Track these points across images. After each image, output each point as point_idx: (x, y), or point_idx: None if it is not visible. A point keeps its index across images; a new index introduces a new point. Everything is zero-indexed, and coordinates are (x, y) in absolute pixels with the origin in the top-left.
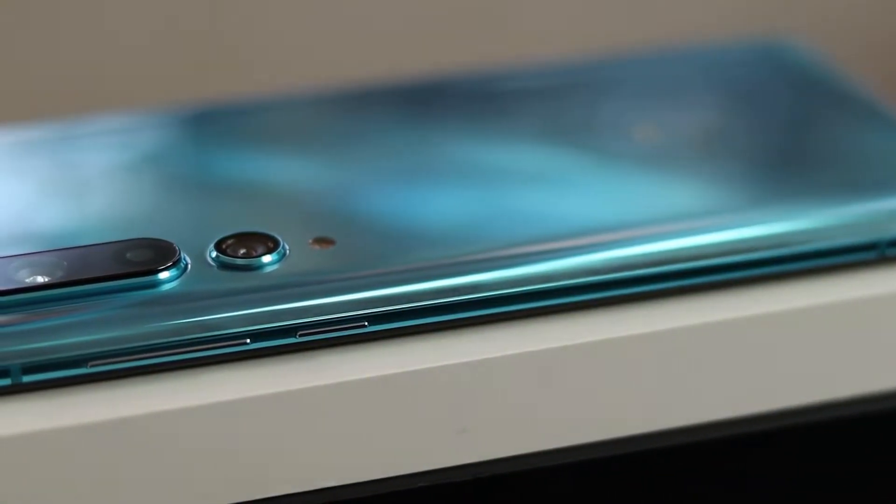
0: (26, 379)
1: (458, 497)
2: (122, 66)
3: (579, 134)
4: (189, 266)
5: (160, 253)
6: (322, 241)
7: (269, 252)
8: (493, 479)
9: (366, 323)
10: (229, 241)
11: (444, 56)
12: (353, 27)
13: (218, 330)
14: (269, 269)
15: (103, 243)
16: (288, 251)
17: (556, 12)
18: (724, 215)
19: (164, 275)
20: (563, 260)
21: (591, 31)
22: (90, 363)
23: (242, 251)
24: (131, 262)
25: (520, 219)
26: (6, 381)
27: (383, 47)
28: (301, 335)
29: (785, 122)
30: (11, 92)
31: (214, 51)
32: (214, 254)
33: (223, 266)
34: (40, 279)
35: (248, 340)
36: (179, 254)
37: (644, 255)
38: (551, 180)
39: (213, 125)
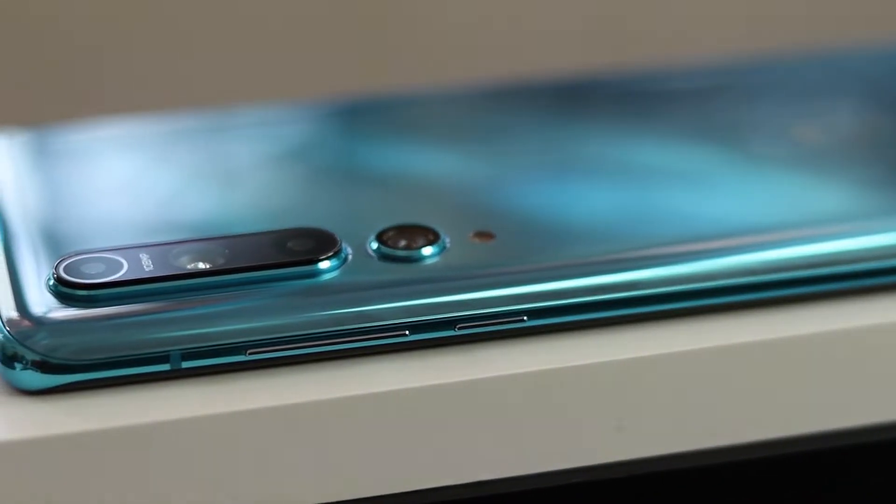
0: (185, 365)
1: (613, 494)
2: (278, 58)
3: (730, 134)
4: (350, 256)
5: (321, 242)
6: (482, 234)
7: (429, 244)
8: (648, 476)
9: (525, 317)
10: (390, 233)
11: (596, 55)
12: (507, 23)
13: (377, 321)
14: (429, 261)
15: (265, 232)
16: (448, 244)
17: (706, 13)
18: (880, 219)
19: (324, 264)
20: (722, 259)
21: (742, 34)
22: (249, 351)
23: (403, 243)
24: (292, 251)
25: (677, 217)
26: (165, 367)
27: (536, 44)
28: (460, 328)
29: None
30: (172, 81)
31: (369, 44)
32: (375, 245)
33: (384, 257)
34: (202, 265)
35: (408, 332)
36: (341, 244)
37: (803, 256)
38: (706, 180)
39: (368, 118)
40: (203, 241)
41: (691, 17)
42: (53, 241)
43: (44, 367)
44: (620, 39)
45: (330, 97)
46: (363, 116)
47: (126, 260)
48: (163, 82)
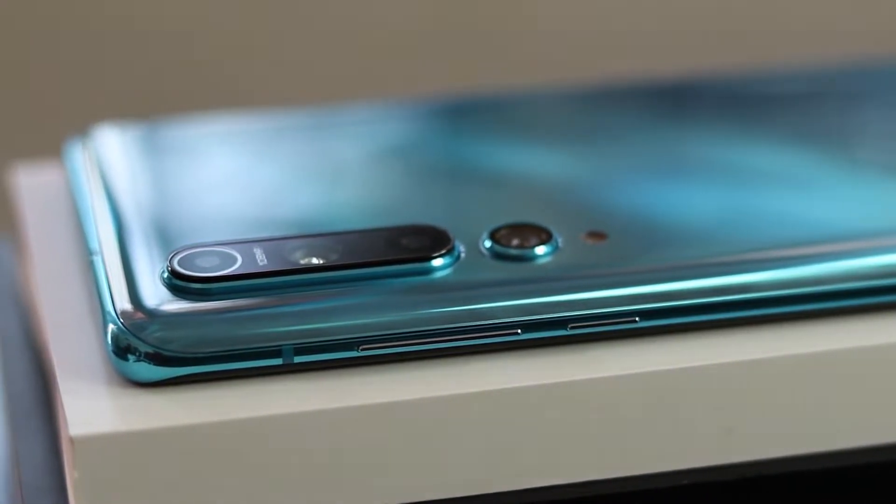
0: (298, 360)
1: (722, 496)
2: (386, 55)
3: (839, 139)
4: (462, 254)
5: (434, 240)
6: (595, 235)
7: (542, 244)
8: (758, 480)
9: (637, 318)
10: (503, 232)
11: (704, 57)
12: (615, 24)
13: (490, 319)
14: (541, 260)
15: (378, 228)
16: (561, 244)
17: (813, 16)
18: None
19: (438, 262)
20: (837, 263)
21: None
22: (361, 347)
23: (516, 242)
24: (406, 248)
25: (788, 220)
26: (277, 361)
27: (644, 45)
28: (572, 328)
29: None
30: (284, 78)
31: (479, 44)
32: (488, 243)
33: (496, 256)
34: (315, 261)
35: (520, 331)
36: (454, 241)
37: None
38: (816, 184)
39: (475, 117)
40: (317, 237)
41: (798, 20)
42: (165, 235)
43: (157, 359)
44: (728, 41)
45: (438, 96)
46: (471, 115)
47: (240, 254)
48: (272, 79)
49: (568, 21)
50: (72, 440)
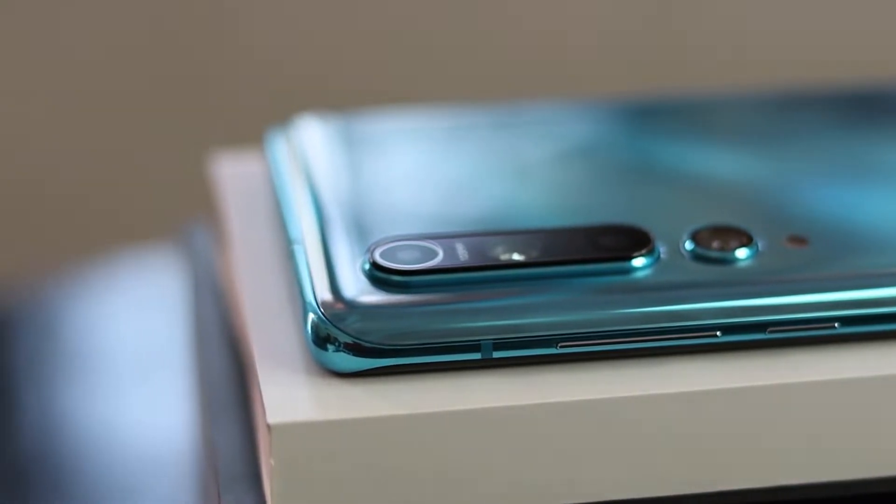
0: (496, 355)
1: None
2: (575, 57)
3: None
4: (662, 255)
5: (635, 240)
6: (796, 239)
7: (742, 247)
8: None
9: (836, 324)
10: (704, 234)
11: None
12: (803, 30)
13: (690, 320)
14: (742, 263)
15: (578, 227)
16: (761, 247)
17: None
18: None
19: (638, 262)
20: None
21: None
22: (560, 344)
23: (716, 244)
24: (606, 247)
25: None
26: (476, 356)
27: (834, 48)
28: (770, 331)
29: None
30: (472, 74)
31: (667, 46)
32: (689, 245)
33: (697, 257)
34: (516, 257)
35: (719, 333)
36: (654, 242)
37: None
38: None
39: (670, 118)
40: (517, 234)
41: None
42: (364, 226)
43: (356, 349)
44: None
45: (634, 96)
46: (666, 117)
47: (441, 248)
48: (466, 76)
49: (762, 22)
50: (269, 428)
